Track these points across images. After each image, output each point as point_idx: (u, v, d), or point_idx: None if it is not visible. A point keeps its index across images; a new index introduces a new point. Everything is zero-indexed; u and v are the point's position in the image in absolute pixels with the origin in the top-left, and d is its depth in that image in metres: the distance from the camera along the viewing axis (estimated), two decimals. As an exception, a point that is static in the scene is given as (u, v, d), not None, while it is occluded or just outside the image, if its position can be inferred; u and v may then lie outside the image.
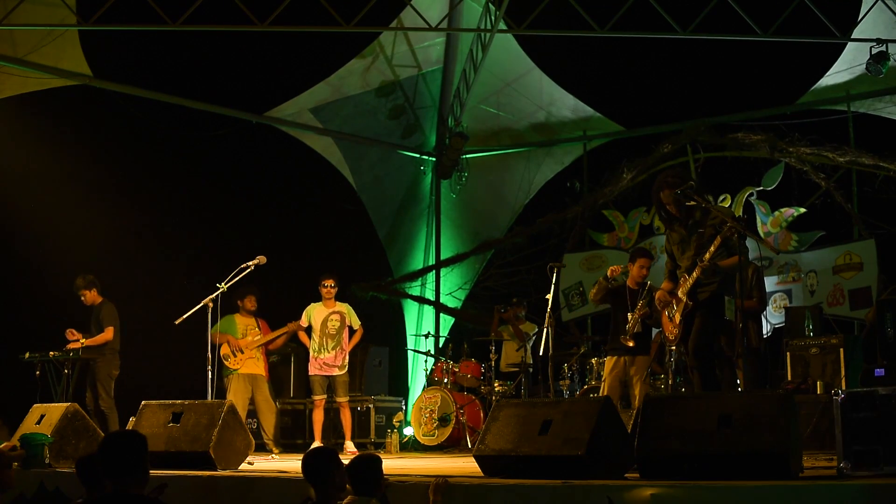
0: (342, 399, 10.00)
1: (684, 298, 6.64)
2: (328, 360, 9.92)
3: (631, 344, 8.28)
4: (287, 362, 11.67)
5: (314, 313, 10.03)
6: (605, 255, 12.39)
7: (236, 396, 9.91)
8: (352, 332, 10.12)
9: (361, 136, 13.37)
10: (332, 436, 11.31)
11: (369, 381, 11.82)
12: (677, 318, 6.70)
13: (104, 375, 9.65)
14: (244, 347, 9.99)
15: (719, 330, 6.88)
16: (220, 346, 9.98)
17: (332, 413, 11.38)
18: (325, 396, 9.96)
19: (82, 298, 9.92)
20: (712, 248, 6.44)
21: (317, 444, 9.60)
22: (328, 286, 10.03)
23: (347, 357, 10.03)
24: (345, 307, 10.13)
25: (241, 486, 6.19)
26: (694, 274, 6.57)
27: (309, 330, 10.07)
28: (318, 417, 10.04)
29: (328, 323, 9.99)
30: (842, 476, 5.04)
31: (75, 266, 10.68)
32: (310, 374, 10.02)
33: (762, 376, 7.19)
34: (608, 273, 8.51)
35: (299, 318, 10.10)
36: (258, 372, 10.08)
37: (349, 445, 9.99)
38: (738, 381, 7.72)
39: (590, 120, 13.01)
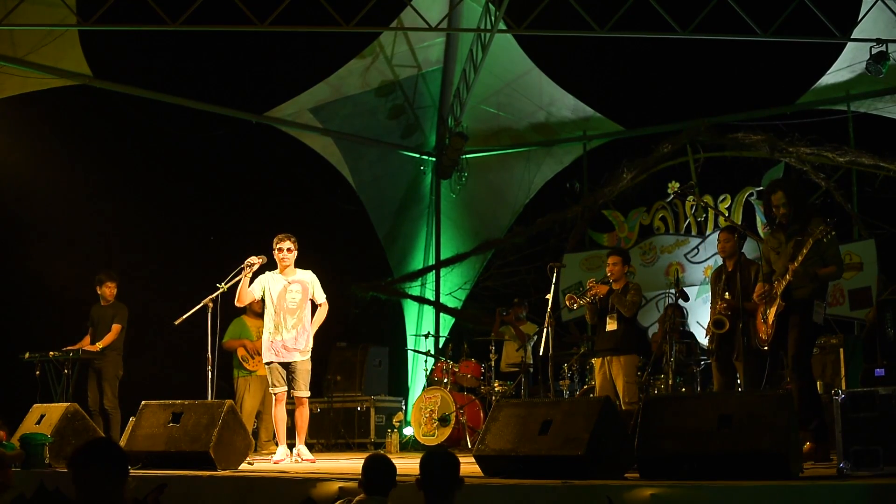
0: (301, 393, 8.08)
1: (777, 299, 6.70)
2: (287, 341, 8.05)
3: (601, 292, 8.68)
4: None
5: (270, 283, 8.16)
6: (605, 256, 12.37)
7: (254, 398, 9.96)
8: (314, 309, 8.29)
9: (361, 136, 13.37)
10: (332, 436, 11.32)
11: (369, 381, 11.82)
12: (770, 318, 6.78)
13: (111, 376, 9.69)
14: (261, 350, 9.96)
15: (814, 337, 7.02)
16: (235, 349, 10.00)
17: (331, 413, 11.40)
18: (286, 388, 8.10)
19: (103, 291, 9.88)
20: (804, 251, 6.53)
21: (282, 448, 8.10)
22: (283, 249, 8.10)
23: (311, 341, 8.17)
24: (307, 275, 8.22)
25: (241, 486, 6.19)
26: (787, 276, 6.66)
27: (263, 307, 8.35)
28: (280, 415, 8.16)
29: (286, 295, 8.12)
30: (842, 476, 5.04)
31: (75, 266, 10.69)
32: (265, 360, 8.18)
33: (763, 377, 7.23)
34: (589, 295, 8.77)
35: None
36: None
37: (303, 450, 8.12)
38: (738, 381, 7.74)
39: (590, 120, 13.01)
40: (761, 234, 11.18)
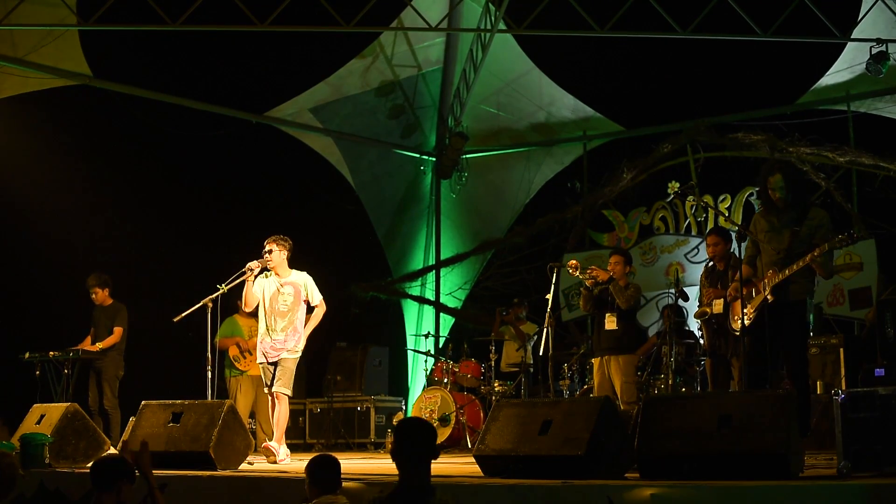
0: (280, 389, 7.89)
1: (765, 292, 6.51)
2: (277, 342, 7.99)
3: (601, 276, 8.73)
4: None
5: (265, 286, 8.13)
6: (605, 256, 12.37)
7: (246, 397, 9.94)
8: (310, 310, 8.19)
9: (361, 136, 13.37)
10: (332, 436, 11.32)
11: (369, 381, 11.82)
12: (751, 309, 6.58)
13: (111, 376, 9.69)
14: (252, 349, 9.92)
15: (808, 339, 6.93)
16: (228, 348, 9.99)
17: (331, 413, 11.41)
18: None
19: (92, 296, 9.90)
20: (816, 253, 6.30)
21: (283, 447, 8.02)
22: (265, 251, 8.04)
23: (302, 342, 8.07)
24: (300, 277, 8.13)
25: (241, 486, 6.19)
26: (786, 272, 6.42)
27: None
28: (275, 414, 8.07)
29: (278, 297, 8.07)
30: (842, 476, 5.04)
31: (75, 265, 10.68)
32: (258, 361, 8.20)
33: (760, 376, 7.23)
34: (588, 281, 8.80)
35: None
36: None
37: (274, 448, 7.86)
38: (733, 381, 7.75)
39: (590, 120, 13.01)
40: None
